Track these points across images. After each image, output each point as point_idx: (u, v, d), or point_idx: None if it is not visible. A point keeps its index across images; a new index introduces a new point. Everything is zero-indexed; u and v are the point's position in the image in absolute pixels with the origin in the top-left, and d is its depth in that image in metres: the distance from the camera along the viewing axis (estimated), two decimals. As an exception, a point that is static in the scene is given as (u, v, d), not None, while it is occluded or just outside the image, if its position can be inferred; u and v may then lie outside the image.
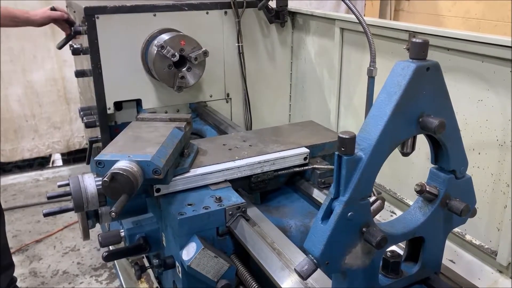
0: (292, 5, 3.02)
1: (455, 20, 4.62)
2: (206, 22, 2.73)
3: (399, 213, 2.33)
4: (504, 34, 1.78)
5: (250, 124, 3.02)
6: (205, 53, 2.46)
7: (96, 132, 2.71)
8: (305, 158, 1.93)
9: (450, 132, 1.14)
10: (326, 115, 2.87)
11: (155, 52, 2.39)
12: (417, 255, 1.28)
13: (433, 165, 1.24)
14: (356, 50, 2.58)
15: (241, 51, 2.86)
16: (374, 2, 5.29)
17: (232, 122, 2.66)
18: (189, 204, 1.60)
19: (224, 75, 2.90)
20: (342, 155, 1.02)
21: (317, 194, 1.85)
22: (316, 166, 1.89)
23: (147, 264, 2.03)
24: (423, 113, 1.09)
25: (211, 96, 2.89)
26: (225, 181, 1.77)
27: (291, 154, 1.91)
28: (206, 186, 1.73)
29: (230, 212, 1.60)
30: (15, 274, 2.68)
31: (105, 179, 1.43)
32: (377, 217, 1.16)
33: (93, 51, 2.44)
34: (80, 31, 2.56)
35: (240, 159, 1.84)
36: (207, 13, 2.72)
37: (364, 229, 1.08)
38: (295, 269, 1.09)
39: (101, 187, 1.54)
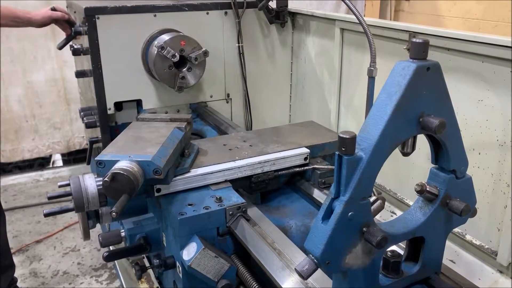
0: (292, 5, 3.02)
1: (455, 21, 4.62)
2: (207, 22, 2.73)
3: (399, 213, 2.33)
4: (504, 35, 1.78)
5: (250, 124, 3.02)
6: (205, 53, 2.47)
7: (97, 133, 2.71)
8: (305, 158, 1.93)
9: (450, 132, 1.14)
10: (326, 115, 2.87)
11: (156, 52, 2.39)
12: (418, 255, 1.28)
13: (433, 165, 1.24)
14: (356, 51, 2.58)
15: (241, 52, 2.86)
16: (374, 3, 5.30)
17: (233, 122, 2.66)
18: (189, 204, 1.60)
19: (224, 76, 2.90)
20: (342, 155, 1.02)
21: (318, 194, 1.85)
22: (317, 166, 1.90)
23: (147, 264, 2.02)
24: (423, 113, 1.09)
25: (211, 97, 2.89)
26: (226, 181, 1.77)
27: (292, 154, 1.91)
28: (206, 186, 1.74)
29: (231, 212, 1.60)
30: (15, 275, 2.69)
31: (105, 179, 1.43)
32: (377, 217, 1.16)
33: (94, 51, 2.44)
34: (80, 32, 2.56)
35: (240, 159, 1.84)
36: (207, 13, 2.72)
37: (364, 229, 1.09)
38: (295, 269, 1.09)
39: (101, 187, 1.54)
